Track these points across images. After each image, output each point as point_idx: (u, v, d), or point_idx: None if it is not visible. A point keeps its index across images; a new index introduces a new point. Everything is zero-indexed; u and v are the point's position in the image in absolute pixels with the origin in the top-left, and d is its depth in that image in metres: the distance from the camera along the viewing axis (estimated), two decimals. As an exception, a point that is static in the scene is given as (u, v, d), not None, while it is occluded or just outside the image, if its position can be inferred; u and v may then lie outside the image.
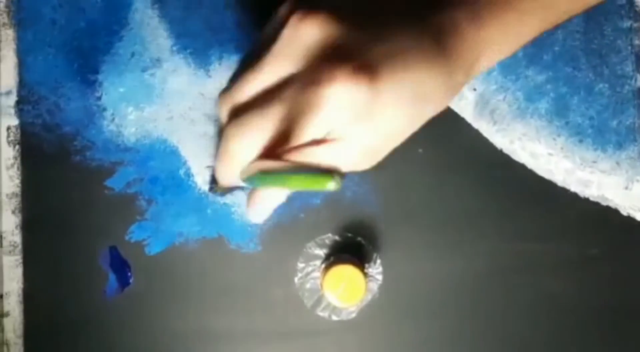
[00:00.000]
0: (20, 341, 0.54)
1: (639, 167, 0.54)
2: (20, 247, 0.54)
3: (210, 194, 0.52)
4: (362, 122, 0.35)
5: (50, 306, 0.54)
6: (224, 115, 0.39)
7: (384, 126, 0.36)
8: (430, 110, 0.38)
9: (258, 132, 0.35)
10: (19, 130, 0.54)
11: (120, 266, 0.54)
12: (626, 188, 0.54)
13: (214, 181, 0.45)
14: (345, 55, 0.33)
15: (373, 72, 0.33)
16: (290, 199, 0.54)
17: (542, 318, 0.54)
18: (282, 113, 0.35)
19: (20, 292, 0.54)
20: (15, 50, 0.54)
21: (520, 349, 0.54)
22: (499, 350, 0.54)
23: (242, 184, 0.39)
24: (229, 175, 0.38)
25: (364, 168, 0.38)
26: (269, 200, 0.39)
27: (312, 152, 0.36)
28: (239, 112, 0.37)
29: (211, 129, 0.54)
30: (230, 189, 0.44)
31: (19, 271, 0.54)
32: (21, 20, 0.54)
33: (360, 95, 0.34)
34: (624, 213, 0.54)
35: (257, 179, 0.36)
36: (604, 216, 0.54)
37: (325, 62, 0.33)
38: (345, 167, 0.37)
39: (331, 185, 0.33)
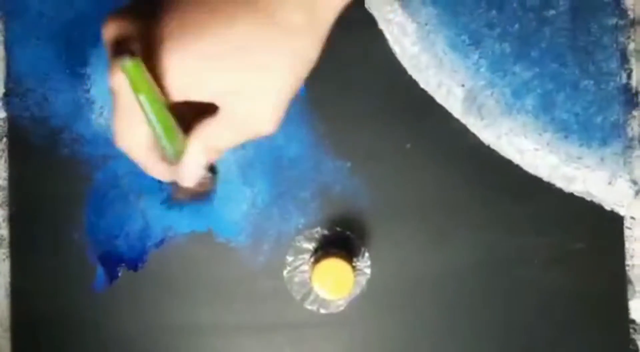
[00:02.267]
0: (7, 335, 0.54)
1: (623, 163, 0.55)
2: (7, 240, 0.54)
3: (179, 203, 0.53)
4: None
5: (37, 300, 0.54)
6: None
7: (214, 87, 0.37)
8: (272, 62, 0.37)
9: (123, 119, 0.39)
10: (6, 123, 0.54)
11: (109, 259, 0.53)
12: (610, 184, 0.55)
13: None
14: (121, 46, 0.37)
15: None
16: (279, 193, 0.54)
17: (527, 310, 0.54)
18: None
19: (8, 285, 0.54)
20: (3, 42, 0.54)
21: (507, 340, 0.55)
22: (487, 341, 0.55)
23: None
24: (156, 165, 0.40)
25: (265, 132, 0.39)
26: (190, 159, 0.40)
27: (208, 124, 0.39)
28: None
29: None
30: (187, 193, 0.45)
31: (6, 265, 0.54)
32: (8, 12, 0.54)
33: None
34: (608, 208, 0.55)
35: (158, 136, 0.37)
36: (589, 211, 0.55)
37: (112, 57, 0.37)
38: (245, 133, 0.39)
39: (125, 62, 0.35)
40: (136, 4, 0.39)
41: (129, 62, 0.35)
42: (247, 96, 0.37)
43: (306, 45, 0.38)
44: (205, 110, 0.39)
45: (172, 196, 0.52)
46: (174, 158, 0.39)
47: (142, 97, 0.36)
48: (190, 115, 0.39)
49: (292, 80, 0.38)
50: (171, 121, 0.37)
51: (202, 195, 0.51)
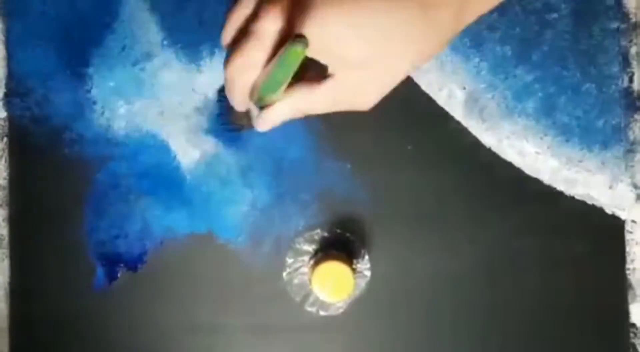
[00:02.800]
0: (5, 335, 0.54)
1: (624, 167, 0.54)
2: (6, 240, 0.54)
3: (229, 133, 0.53)
4: (332, 59, 0.39)
5: (36, 300, 0.54)
6: (225, 44, 0.43)
7: (351, 62, 0.39)
8: (414, 52, 0.39)
9: (246, 57, 0.40)
10: (7, 123, 0.54)
11: (109, 260, 0.53)
12: (611, 187, 0.55)
13: (228, 117, 0.49)
14: None
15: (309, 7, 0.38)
16: (279, 194, 0.54)
17: (527, 314, 0.54)
18: (251, 42, 0.40)
19: (7, 285, 0.54)
20: (5, 42, 0.54)
21: (507, 344, 0.54)
22: (487, 345, 0.54)
23: (253, 107, 0.43)
24: (241, 98, 0.42)
25: (361, 107, 0.41)
26: (278, 111, 0.42)
27: (311, 91, 0.40)
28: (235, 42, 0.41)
29: (202, 124, 0.54)
30: (244, 122, 0.47)
31: (5, 264, 0.54)
32: (10, 11, 0.54)
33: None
34: (609, 212, 0.55)
35: (262, 91, 0.39)
36: (589, 215, 0.54)
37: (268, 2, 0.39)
38: (342, 105, 0.41)
39: (298, 47, 0.37)
40: None
41: (300, 48, 0.37)
42: (366, 71, 0.39)
43: (438, 43, 0.39)
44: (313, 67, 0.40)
45: (230, 119, 0.52)
46: (262, 102, 0.41)
47: (284, 63, 0.38)
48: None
49: (409, 70, 0.40)
50: (287, 80, 0.39)
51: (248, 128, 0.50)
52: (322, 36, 0.37)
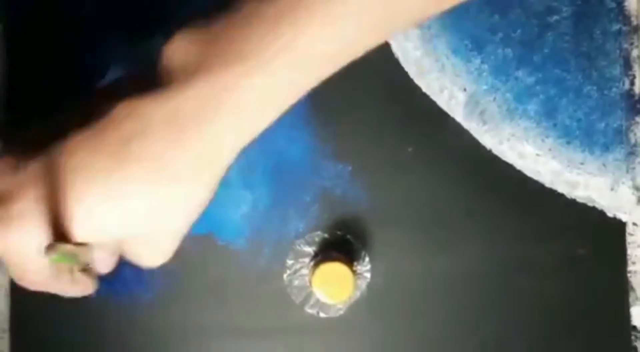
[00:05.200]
0: (6, 335, 0.54)
1: (625, 169, 0.54)
2: (7, 241, 0.54)
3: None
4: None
5: (37, 300, 0.54)
6: None
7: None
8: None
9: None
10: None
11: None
12: (612, 190, 0.54)
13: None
14: None
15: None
16: (279, 196, 0.54)
17: (529, 318, 0.54)
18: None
19: (7, 286, 0.54)
20: (5, 47, 0.54)
21: (508, 346, 0.54)
22: (486, 348, 0.54)
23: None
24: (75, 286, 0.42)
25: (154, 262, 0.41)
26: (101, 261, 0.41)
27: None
28: None
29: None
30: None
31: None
32: (11, 15, 0.54)
33: None
34: (610, 214, 0.54)
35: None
36: (591, 217, 0.54)
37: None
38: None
39: (52, 257, 0.35)
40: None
41: (54, 256, 0.35)
42: (144, 240, 0.39)
43: (199, 191, 0.38)
44: None
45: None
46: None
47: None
48: None
49: (185, 222, 0.39)
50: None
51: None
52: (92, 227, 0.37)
